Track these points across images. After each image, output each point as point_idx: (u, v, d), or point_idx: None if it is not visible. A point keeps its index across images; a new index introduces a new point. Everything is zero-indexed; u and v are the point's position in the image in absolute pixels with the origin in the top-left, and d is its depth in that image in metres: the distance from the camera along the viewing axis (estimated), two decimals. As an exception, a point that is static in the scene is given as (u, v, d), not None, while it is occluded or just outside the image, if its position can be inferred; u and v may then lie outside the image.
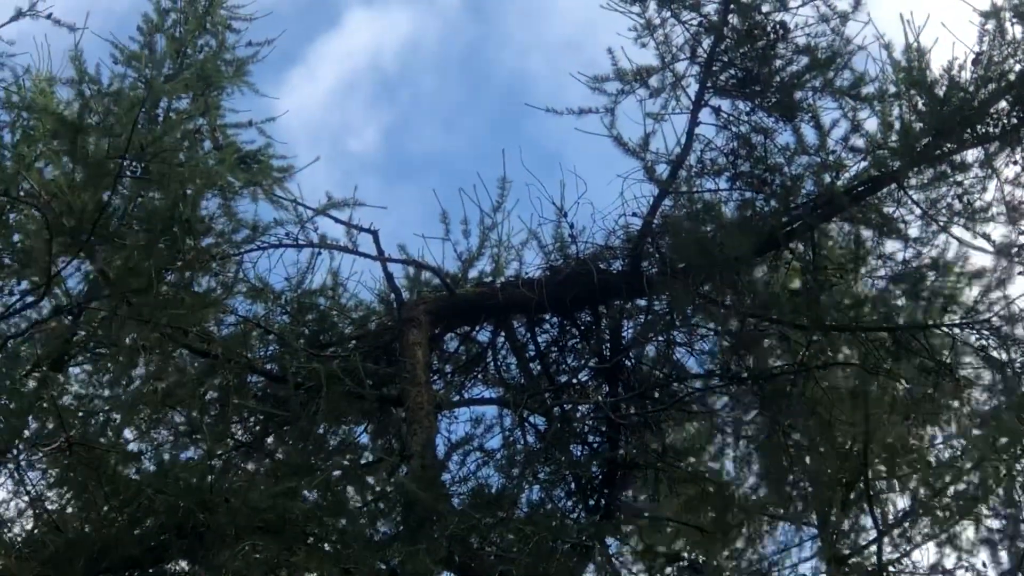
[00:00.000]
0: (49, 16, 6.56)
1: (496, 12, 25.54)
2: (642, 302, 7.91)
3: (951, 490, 6.81)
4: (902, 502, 7.18)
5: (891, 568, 6.26)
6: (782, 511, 7.28)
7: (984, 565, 6.60)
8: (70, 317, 6.95)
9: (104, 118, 7.11)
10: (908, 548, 6.41)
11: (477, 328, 8.71)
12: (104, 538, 6.82)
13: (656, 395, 8.07)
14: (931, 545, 6.77)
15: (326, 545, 7.35)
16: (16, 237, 7.21)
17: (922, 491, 6.99)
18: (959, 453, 7.08)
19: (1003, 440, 6.64)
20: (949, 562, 6.72)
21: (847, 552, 6.51)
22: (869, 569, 6.42)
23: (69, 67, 7.28)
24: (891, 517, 6.67)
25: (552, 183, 8.48)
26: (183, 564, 6.73)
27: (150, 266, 6.91)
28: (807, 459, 7.06)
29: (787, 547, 7.12)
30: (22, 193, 6.90)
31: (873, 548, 6.50)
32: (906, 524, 6.46)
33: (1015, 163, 7.37)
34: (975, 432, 7.21)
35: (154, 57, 7.55)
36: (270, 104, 8.26)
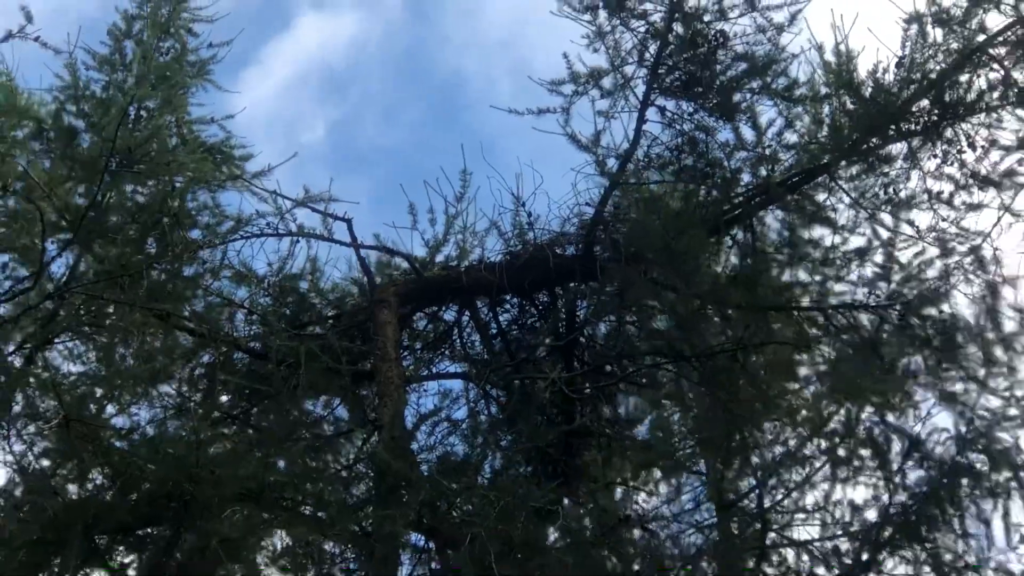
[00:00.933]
0: (37, 39, 6.49)
1: (434, 14, 25.72)
2: (595, 284, 7.99)
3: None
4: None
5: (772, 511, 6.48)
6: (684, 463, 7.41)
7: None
8: (58, 300, 6.96)
9: (88, 120, 7.10)
10: (784, 493, 6.63)
11: (443, 308, 8.70)
12: (98, 505, 6.87)
13: (608, 370, 8.15)
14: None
15: (304, 510, 7.40)
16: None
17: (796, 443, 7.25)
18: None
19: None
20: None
21: (733, 498, 6.70)
22: (752, 512, 6.63)
23: (48, 74, 7.29)
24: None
25: (487, 171, 8.64)
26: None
27: (142, 258, 6.94)
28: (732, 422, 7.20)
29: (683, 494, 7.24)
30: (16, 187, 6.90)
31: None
32: (782, 473, 6.67)
33: (935, 156, 7.49)
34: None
35: (124, 61, 7.53)
36: (229, 100, 8.26)
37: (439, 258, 8.38)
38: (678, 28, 6.98)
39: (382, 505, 6.64)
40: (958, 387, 7.15)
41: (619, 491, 8.06)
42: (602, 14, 7.03)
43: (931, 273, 7.40)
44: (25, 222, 7.46)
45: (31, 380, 7.51)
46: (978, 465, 6.56)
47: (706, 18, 6.89)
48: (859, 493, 6.71)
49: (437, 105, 24.36)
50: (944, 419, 6.86)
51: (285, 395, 7.98)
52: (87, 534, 6.75)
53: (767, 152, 7.45)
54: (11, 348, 7.38)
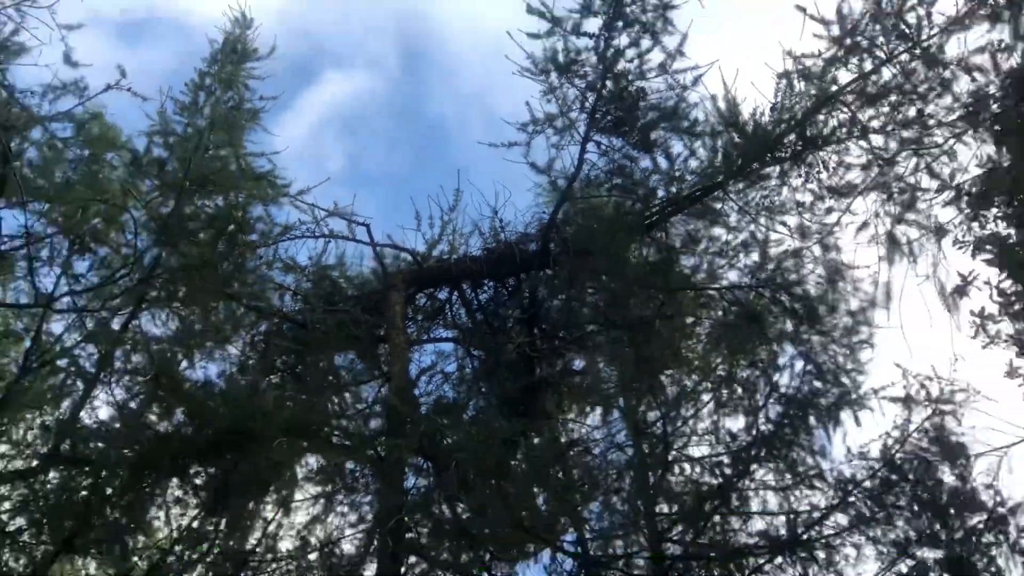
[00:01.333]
0: (129, 89, 7.24)
1: (424, 72, 28.36)
2: (550, 272, 8.74)
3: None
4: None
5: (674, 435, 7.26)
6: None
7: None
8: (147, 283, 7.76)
9: (172, 151, 7.94)
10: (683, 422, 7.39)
11: (438, 290, 9.17)
12: (180, 438, 7.72)
13: (559, 335, 8.99)
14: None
15: (333, 440, 8.24)
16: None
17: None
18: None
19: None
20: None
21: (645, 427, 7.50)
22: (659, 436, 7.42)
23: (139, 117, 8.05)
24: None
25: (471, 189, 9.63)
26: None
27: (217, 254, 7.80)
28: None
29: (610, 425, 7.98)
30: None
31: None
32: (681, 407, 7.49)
33: (800, 176, 8.36)
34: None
35: (198, 108, 8.34)
36: (273, 139, 9.05)
37: (435, 252, 8.92)
38: (609, 85, 7.88)
39: (392, 436, 7.39)
40: (815, 340, 8.12)
41: (567, 425, 8.97)
42: (553, 75, 7.80)
43: (795, 261, 8.36)
44: (119, 225, 8.34)
45: (128, 342, 8.40)
46: (822, 401, 7.51)
47: (629, 78, 7.79)
48: (737, 423, 7.58)
49: (427, 140, 26.36)
50: (799, 367, 7.74)
51: (321, 355, 8.88)
52: (172, 459, 7.64)
53: (676, 174, 8.28)
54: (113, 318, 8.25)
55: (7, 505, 7.41)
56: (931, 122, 7.52)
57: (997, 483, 6.73)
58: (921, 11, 7.26)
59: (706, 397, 7.52)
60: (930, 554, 6.53)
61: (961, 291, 7.61)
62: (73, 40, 7.38)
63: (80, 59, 7.45)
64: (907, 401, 7.01)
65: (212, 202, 8.20)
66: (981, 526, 6.54)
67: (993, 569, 6.44)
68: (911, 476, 6.74)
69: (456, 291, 9.16)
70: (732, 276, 8.50)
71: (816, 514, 6.71)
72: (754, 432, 7.11)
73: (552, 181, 8.24)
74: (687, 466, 7.36)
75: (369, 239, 8.73)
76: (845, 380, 7.57)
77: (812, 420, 7.16)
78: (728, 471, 7.16)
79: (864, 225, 8.14)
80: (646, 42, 7.64)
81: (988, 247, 7.37)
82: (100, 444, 7.60)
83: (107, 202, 7.86)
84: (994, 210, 7.59)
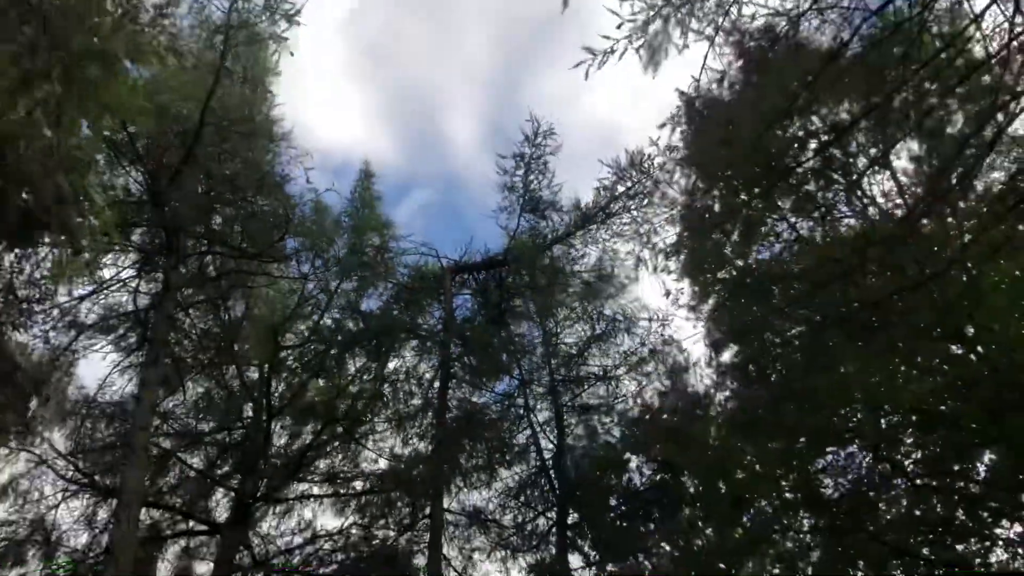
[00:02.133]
0: None
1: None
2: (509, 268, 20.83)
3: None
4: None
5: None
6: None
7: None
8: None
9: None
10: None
11: (466, 277, 21.62)
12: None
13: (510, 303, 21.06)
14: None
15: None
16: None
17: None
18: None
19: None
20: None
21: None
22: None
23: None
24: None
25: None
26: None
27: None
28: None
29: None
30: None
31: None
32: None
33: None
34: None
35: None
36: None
37: (463, 258, 21.26)
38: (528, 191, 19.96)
39: (446, 330, 19.71)
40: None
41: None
42: (506, 191, 20.00)
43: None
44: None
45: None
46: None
47: (534, 190, 19.86)
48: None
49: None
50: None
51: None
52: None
53: (555, 228, 20.38)
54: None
55: None
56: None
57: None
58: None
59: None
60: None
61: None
62: None
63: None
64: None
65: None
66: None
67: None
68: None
69: (474, 274, 21.40)
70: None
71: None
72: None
73: (509, 233, 20.29)
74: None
75: (437, 255, 20.91)
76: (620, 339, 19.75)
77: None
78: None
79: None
80: (543, 180, 19.72)
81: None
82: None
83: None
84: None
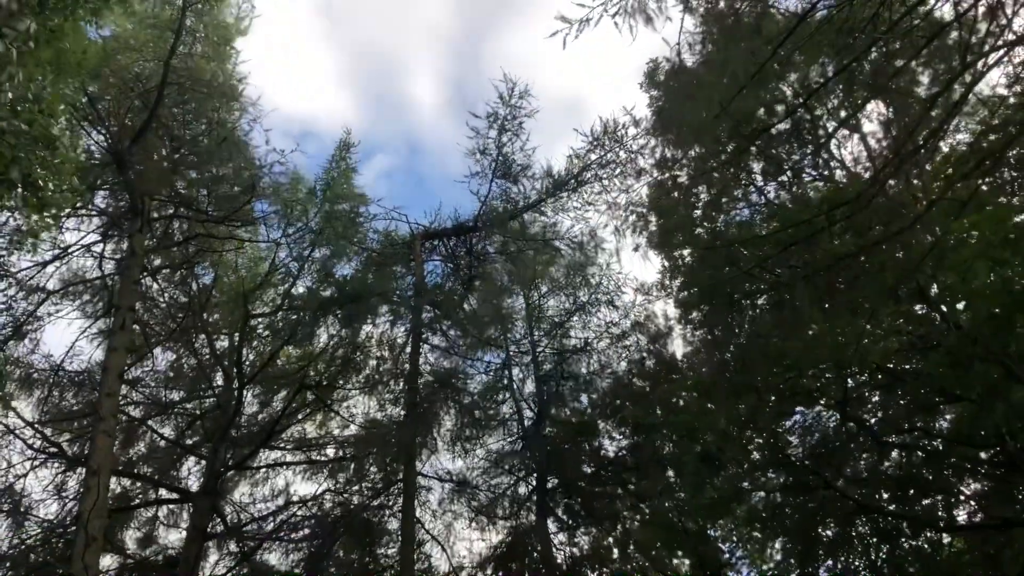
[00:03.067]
0: None
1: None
2: (479, 233, 20.81)
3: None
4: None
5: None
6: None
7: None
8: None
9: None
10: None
11: (436, 243, 21.59)
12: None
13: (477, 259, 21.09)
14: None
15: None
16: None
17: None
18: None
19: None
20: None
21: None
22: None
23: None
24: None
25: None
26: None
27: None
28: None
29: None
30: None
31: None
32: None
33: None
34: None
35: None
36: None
37: (434, 224, 21.24)
38: (500, 159, 19.89)
39: (417, 295, 19.69)
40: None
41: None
42: (477, 153, 19.96)
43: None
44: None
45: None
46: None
47: (508, 155, 19.80)
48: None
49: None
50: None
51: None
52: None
53: (526, 195, 20.36)
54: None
55: None
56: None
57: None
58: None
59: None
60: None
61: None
62: None
63: None
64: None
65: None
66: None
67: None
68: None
69: (443, 240, 21.34)
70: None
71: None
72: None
73: (480, 198, 20.21)
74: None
75: (408, 222, 20.84)
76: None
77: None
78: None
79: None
80: (517, 143, 19.60)
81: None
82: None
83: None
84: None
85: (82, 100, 14.67)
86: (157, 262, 18.11)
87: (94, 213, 16.93)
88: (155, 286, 18.47)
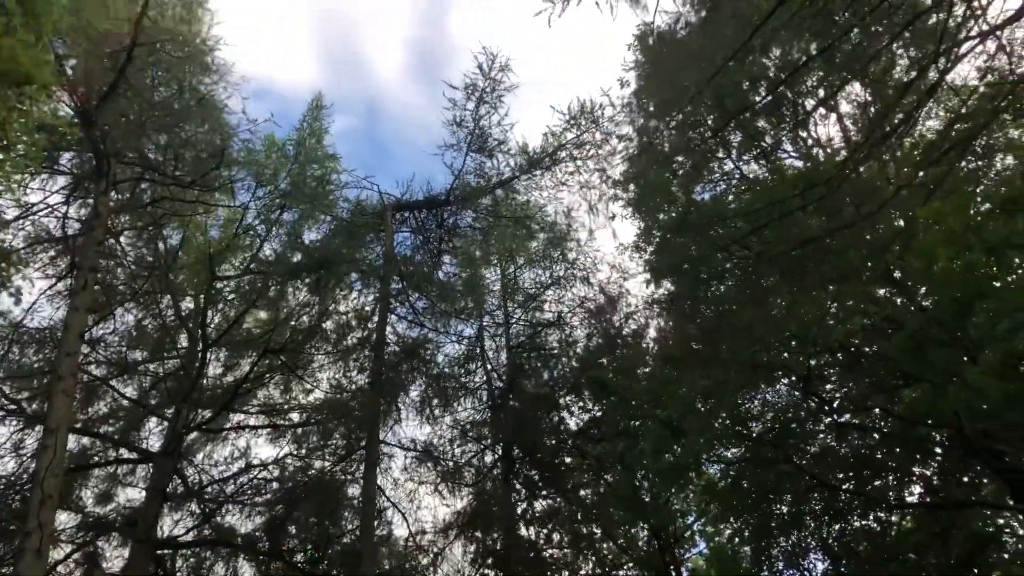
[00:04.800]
0: None
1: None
2: (451, 208, 20.53)
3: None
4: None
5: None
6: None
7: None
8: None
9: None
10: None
11: (407, 214, 21.32)
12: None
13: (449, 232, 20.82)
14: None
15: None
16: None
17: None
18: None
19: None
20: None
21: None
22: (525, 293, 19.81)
23: None
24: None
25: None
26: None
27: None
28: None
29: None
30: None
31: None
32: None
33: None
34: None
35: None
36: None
37: (406, 196, 20.92)
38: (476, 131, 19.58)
39: (387, 264, 19.37)
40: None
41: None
42: (454, 125, 19.62)
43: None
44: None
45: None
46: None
47: (484, 127, 19.49)
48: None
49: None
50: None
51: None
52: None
53: (500, 172, 20.08)
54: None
55: None
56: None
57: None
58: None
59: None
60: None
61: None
62: None
63: None
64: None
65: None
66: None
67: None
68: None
69: (413, 212, 21.06)
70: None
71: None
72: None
73: (454, 172, 19.89)
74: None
75: (378, 190, 20.51)
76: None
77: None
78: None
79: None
80: (495, 116, 19.27)
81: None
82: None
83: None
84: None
85: (49, 58, 14.08)
86: (123, 223, 17.59)
87: (59, 173, 16.39)
88: (120, 247, 17.94)
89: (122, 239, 18.25)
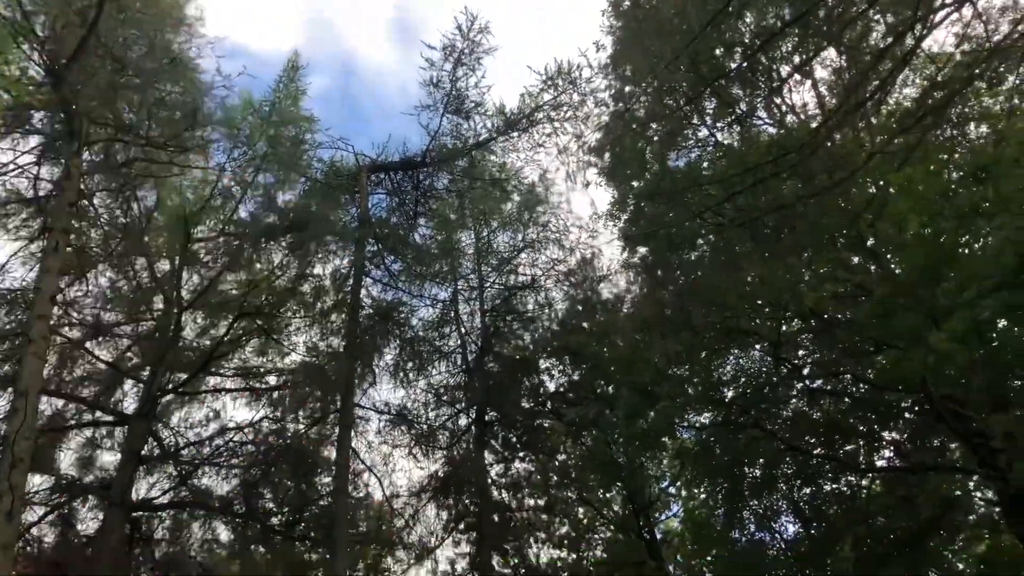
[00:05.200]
0: None
1: None
2: (428, 170, 20.39)
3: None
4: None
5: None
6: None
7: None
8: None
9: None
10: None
11: (383, 175, 21.14)
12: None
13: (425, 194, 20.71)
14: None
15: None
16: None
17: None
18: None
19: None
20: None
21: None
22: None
23: None
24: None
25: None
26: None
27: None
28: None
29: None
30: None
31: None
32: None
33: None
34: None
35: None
36: None
37: (381, 157, 20.71)
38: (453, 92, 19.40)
39: (362, 227, 19.22)
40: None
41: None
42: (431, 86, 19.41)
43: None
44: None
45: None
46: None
47: (461, 88, 19.27)
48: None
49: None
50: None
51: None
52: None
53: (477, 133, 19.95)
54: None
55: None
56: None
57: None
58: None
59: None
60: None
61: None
62: None
63: None
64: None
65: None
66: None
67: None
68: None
69: (389, 173, 20.86)
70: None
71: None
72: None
73: (431, 133, 19.70)
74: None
75: (354, 152, 20.30)
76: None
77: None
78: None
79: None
80: (472, 79, 19.05)
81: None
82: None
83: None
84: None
85: (17, 15, 13.85)
86: (96, 184, 17.40)
87: (30, 132, 16.12)
88: (93, 209, 17.74)
89: (95, 200, 18.04)
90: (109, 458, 17.56)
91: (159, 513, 16.22)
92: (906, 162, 9.65)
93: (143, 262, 18.19)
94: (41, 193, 16.84)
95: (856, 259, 12.61)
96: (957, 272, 9.54)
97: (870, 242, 12.13)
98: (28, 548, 14.98)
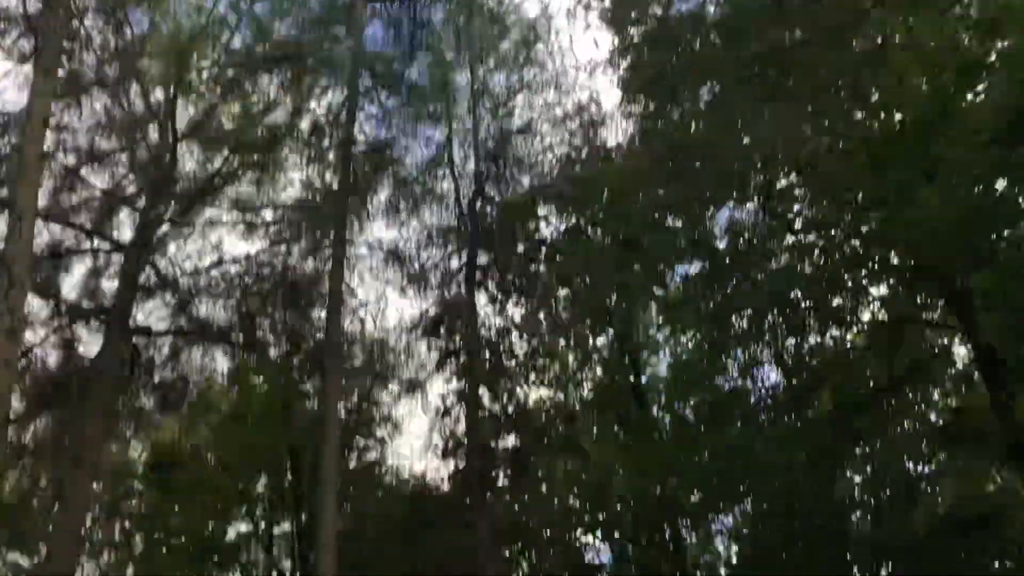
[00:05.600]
0: None
1: None
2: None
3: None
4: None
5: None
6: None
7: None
8: None
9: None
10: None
11: (377, 6, 20.14)
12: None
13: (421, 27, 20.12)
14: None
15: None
16: None
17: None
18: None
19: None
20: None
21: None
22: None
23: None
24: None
25: None
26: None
27: None
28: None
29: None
30: None
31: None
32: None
33: None
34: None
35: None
36: None
37: None
38: None
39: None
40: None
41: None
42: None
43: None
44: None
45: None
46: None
47: None
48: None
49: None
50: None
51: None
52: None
53: None
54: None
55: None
56: None
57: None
58: None
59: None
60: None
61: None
62: None
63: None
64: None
65: None
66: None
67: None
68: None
69: (385, 4, 19.79)
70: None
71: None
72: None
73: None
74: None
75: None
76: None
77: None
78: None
79: None
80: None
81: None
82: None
83: None
84: None
85: None
86: (86, 2, 16.90)
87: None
88: (84, 30, 17.27)
89: (86, 22, 17.58)
90: (108, 286, 17.90)
91: (157, 339, 16.73)
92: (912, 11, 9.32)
93: (137, 88, 17.93)
94: (31, 10, 16.38)
95: (859, 114, 12.35)
96: (953, 127, 9.40)
97: (875, 98, 11.83)
98: (31, 367, 15.51)
